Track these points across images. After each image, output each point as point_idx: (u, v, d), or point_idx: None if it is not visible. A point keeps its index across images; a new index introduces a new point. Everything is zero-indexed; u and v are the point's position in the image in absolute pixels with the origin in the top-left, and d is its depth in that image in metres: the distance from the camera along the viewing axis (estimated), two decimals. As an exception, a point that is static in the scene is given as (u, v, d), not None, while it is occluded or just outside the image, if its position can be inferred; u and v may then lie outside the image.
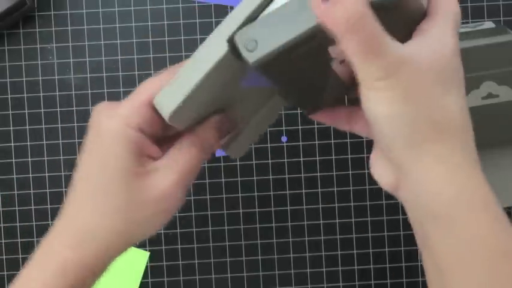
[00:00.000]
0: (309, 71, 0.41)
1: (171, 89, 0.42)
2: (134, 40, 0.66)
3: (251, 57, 0.38)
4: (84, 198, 0.46)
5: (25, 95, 0.66)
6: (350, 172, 0.67)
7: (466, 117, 0.41)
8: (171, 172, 0.46)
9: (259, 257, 0.67)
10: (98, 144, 0.46)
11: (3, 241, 0.67)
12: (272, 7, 0.40)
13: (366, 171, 0.67)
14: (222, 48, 0.40)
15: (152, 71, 0.66)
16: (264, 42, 0.38)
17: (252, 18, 0.39)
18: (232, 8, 0.67)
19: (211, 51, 0.40)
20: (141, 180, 0.46)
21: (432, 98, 0.40)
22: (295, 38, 0.37)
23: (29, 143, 0.66)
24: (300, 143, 0.67)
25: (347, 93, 0.47)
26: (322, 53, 0.41)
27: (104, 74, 0.66)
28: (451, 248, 0.40)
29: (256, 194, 0.67)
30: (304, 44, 0.38)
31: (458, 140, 0.41)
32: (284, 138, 0.67)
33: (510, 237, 0.41)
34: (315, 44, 0.39)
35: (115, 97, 0.66)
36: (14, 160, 0.66)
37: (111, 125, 0.46)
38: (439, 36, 0.41)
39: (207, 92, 0.42)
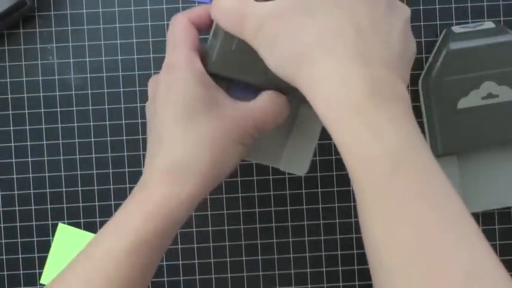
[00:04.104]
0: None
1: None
2: (134, 40, 0.66)
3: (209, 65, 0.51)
4: (173, 134, 0.48)
5: (25, 95, 0.66)
6: (350, 172, 0.67)
7: (332, 36, 0.44)
8: (245, 106, 0.50)
9: (259, 257, 0.67)
10: (168, 92, 0.49)
11: (3, 241, 0.67)
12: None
13: (366, 171, 0.67)
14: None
15: (152, 71, 0.66)
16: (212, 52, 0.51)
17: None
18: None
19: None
20: (220, 108, 0.49)
21: (293, 32, 0.44)
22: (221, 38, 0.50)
23: (29, 143, 0.66)
24: (300, 143, 0.67)
25: None
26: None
27: (104, 74, 0.66)
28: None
29: (256, 194, 0.67)
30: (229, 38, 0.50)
31: (322, 61, 0.43)
32: (284, 138, 0.67)
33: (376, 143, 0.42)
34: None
35: (115, 97, 0.66)
36: (14, 160, 0.66)
37: (176, 74, 0.49)
38: None
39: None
